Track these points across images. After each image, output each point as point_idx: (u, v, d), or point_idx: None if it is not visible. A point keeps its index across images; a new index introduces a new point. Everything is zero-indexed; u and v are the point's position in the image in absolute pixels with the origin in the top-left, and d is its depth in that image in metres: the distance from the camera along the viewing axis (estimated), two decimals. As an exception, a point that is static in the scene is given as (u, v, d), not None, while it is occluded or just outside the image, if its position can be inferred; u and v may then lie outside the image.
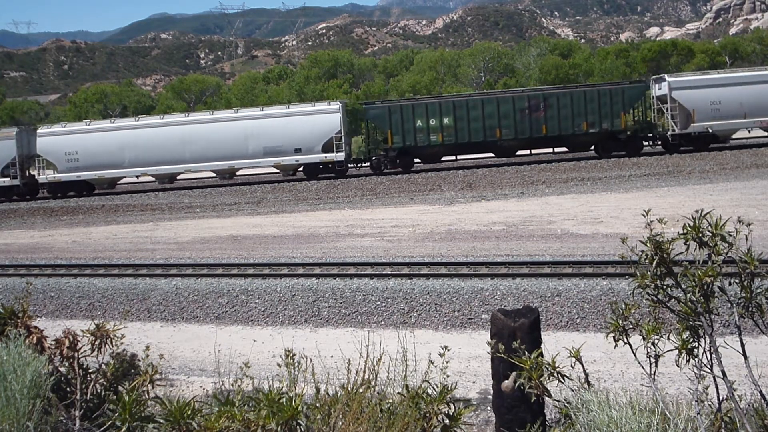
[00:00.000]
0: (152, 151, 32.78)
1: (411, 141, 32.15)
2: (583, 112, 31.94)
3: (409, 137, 32.09)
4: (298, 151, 32.42)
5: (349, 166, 33.59)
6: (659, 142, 33.18)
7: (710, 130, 31.90)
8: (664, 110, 32.67)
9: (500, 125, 31.93)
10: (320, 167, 32.69)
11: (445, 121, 31.94)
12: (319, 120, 32.58)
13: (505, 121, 31.93)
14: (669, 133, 32.42)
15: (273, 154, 32.52)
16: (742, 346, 3.06)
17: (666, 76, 34.23)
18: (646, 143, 33.40)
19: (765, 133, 33.71)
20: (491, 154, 34.03)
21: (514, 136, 32.10)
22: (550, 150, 33.67)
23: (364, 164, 33.90)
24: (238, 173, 35.48)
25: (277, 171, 34.46)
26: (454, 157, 33.76)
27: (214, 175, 35.18)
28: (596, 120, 32.01)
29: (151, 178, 35.27)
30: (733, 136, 34.34)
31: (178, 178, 36.28)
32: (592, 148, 33.17)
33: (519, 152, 33.44)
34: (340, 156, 32.15)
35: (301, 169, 33.65)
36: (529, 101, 32.20)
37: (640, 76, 62.14)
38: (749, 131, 33.91)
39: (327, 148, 32.28)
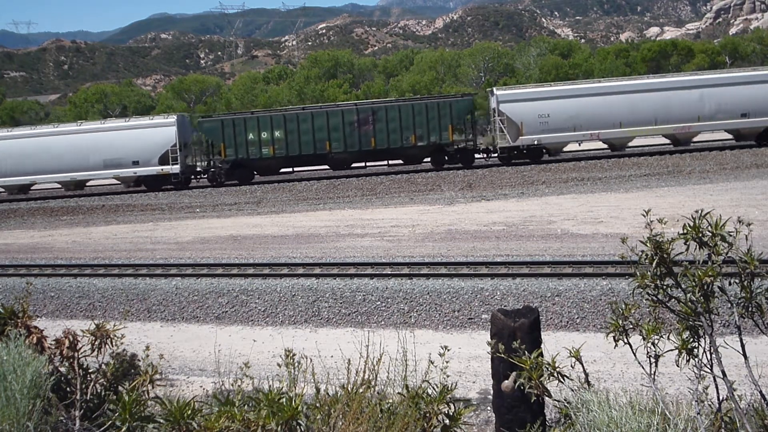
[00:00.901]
0: (3, 161, 34.12)
1: (243, 154, 32.94)
2: (411, 126, 32.34)
3: (241, 150, 32.86)
4: (136, 163, 33.44)
5: (192, 177, 34.78)
6: (494, 154, 33.42)
7: (539, 143, 32.29)
8: (495, 123, 33.18)
9: (330, 138, 32.63)
10: (158, 179, 33.58)
11: (276, 134, 32.74)
12: (155, 133, 33.45)
13: (334, 134, 32.62)
14: (498, 145, 32.78)
15: (112, 166, 33.61)
16: (742, 346, 3.06)
17: (495, 89, 34.59)
18: (479, 156, 33.91)
19: (603, 145, 33.86)
20: (326, 166, 34.17)
21: (344, 149, 32.73)
22: (384, 162, 34.26)
23: (203, 176, 34.92)
24: (87, 185, 36.28)
25: (119, 183, 35.44)
26: (291, 169, 34.49)
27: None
28: (425, 133, 32.39)
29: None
30: (564, 149, 34.49)
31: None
32: (427, 160, 33.58)
33: (354, 164, 33.94)
34: (176, 168, 33.08)
35: (140, 180, 34.72)
36: (358, 115, 32.75)
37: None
38: (579, 144, 34.27)
39: (163, 160, 33.20)
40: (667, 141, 34.18)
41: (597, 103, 31.97)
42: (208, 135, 33.96)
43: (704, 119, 31.85)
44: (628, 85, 33.10)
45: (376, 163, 34.76)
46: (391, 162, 34.01)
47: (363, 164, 34.08)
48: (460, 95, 36.61)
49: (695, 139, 34.33)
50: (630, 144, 33.94)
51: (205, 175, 34.33)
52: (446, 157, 32.75)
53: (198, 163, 36.77)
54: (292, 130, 32.51)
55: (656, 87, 32.43)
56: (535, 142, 32.03)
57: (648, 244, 3.10)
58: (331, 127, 32.39)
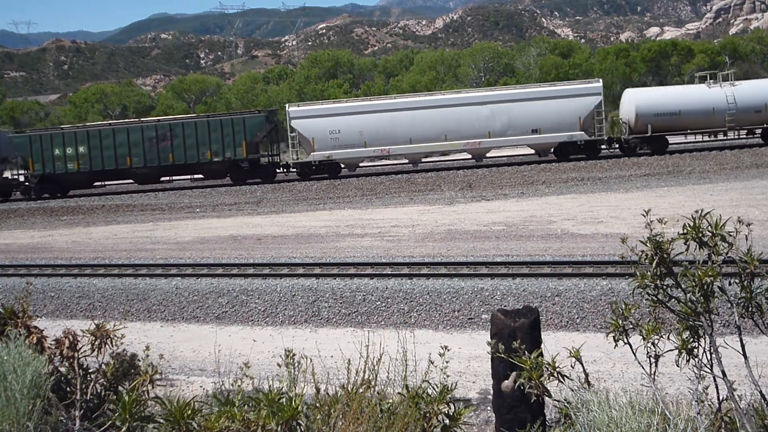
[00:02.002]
0: None
1: (51, 168, 33.94)
2: (207, 142, 33.24)
3: (49, 165, 33.87)
4: None
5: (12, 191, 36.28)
6: (294, 169, 34.22)
7: (331, 158, 32.93)
8: (289, 139, 34.03)
9: (131, 154, 33.47)
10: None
11: (81, 149, 33.74)
12: None
13: (135, 150, 33.45)
14: (293, 161, 33.68)
15: None
16: (742, 346, 3.06)
17: (288, 105, 35.40)
18: (281, 171, 34.79)
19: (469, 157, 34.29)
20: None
21: (143, 164, 33.63)
22: (186, 177, 35.56)
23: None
24: None
25: None
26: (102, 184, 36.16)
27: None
28: (220, 149, 33.27)
29: None
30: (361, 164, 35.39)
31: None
32: (228, 175, 34.44)
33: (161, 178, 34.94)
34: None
35: None
36: (156, 131, 33.69)
37: (639, 77, 62.25)
38: (372, 160, 35.09)
39: None
40: (470, 156, 34.55)
41: (387, 119, 32.69)
42: (18, 150, 35.15)
43: (495, 135, 32.57)
44: (418, 102, 33.93)
45: (181, 177, 35.76)
46: (194, 176, 35.45)
47: (168, 179, 35.38)
48: (255, 111, 38.18)
49: (499, 153, 35.51)
50: (424, 159, 34.78)
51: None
52: (244, 172, 33.96)
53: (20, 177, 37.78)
54: (95, 145, 33.77)
55: (447, 103, 33.21)
56: (327, 158, 32.91)
57: (648, 244, 3.10)
58: (131, 143, 33.56)
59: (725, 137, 35.03)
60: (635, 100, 33.21)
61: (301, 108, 34.49)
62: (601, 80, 34.83)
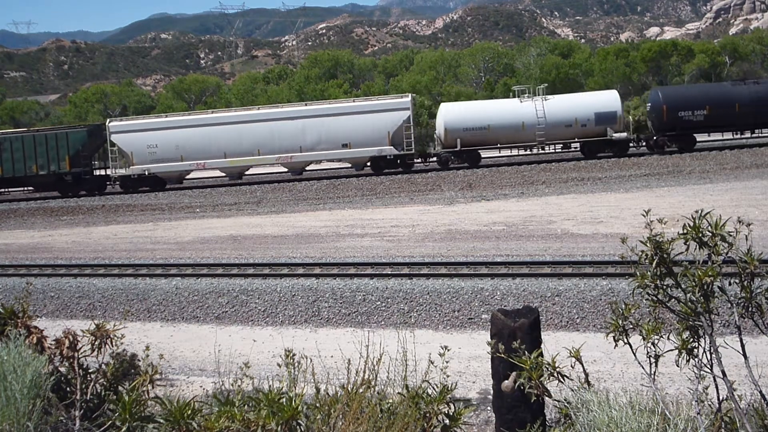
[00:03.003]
0: None
1: None
2: (33, 156, 34.06)
3: None
4: None
5: None
6: (117, 182, 35.06)
7: (149, 172, 33.71)
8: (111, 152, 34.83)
9: None
10: None
11: None
12: None
13: None
14: (113, 174, 34.62)
15: None
16: (742, 346, 3.06)
17: (108, 121, 36.26)
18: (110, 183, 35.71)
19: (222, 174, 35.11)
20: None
21: None
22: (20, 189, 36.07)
23: None
24: None
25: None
26: None
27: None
28: (45, 162, 34.06)
29: None
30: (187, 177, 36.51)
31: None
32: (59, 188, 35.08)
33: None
34: None
35: None
36: None
37: (639, 77, 62.23)
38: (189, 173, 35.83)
39: None
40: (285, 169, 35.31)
41: (202, 133, 33.58)
42: None
43: (306, 149, 33.38)
44: (232, 117, 34.89)
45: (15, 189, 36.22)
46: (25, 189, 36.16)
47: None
48: (79, 127, 39.30)
49: (316, 167, 36.57)
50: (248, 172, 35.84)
51: None
52: (69, 185, 34.81)
53: None
54: None
55: (260, 118, 34.15)
56: (146, 172, 33.76)
57: (648, 244, 3.10)
58: None
59: (539, 152, 35.39)
60: (444, 114, 33.87)
61: (120, 123, 35.89)
62: (410, 95, 35.47)
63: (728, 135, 34.95)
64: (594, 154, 33.13)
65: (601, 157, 32.71)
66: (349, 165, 34.91)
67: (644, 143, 34.23)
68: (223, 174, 34.94)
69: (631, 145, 34.14)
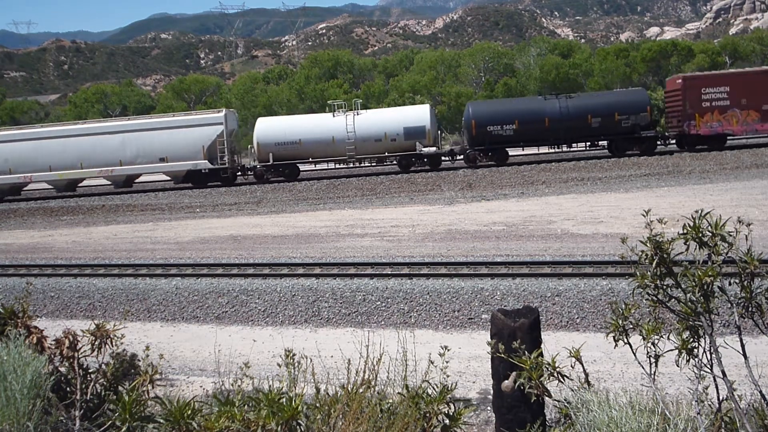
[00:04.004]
0: None
1: None
2: None
3: None
4: None
5: None
6: None
7: None
8: None
9: None
10: None
11: None
12: None
13: None
14: None
15: None
16: (742, 346, 3.06)
17: None
18: None
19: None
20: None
21: None
22: None
23: None
24: None
25: None
26: None
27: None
28: None
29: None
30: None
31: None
32: None
33: None
34: None
35: None
36: None
37: (640, 77, 62.23)
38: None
39: None
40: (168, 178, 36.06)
41: (30, 147, 34.40)
42: None
43: (126, 163, 34.36)
44: (56, 131, 35.47)
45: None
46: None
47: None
48: None
49: (139, 180, 37.29)
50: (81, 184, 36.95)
51: None
52: None
53: None
54: None
55: (82, 132, 35.09)
56: None
57: (648, 244, 3.10)
58: None
59: (349, 166, 36.11)
60: (257, 129, 34.62)
61: None
62: (223, 110, 36.03)
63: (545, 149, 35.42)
64: (407, 169, 33.81)
65: (412, 171, 33.44)
66: (169, 178, 36.05)
67: (461, 157, 34.65)
68: (51, 186, 35.93)
69: (444, 159, 34.73)
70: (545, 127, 32.93)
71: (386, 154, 34.00)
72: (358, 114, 34.26)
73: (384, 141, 33.44)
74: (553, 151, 35.88)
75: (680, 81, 34.08)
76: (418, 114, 34.28)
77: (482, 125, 33.15)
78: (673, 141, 34.10)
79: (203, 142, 33.64)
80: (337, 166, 36.62)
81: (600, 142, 34.31)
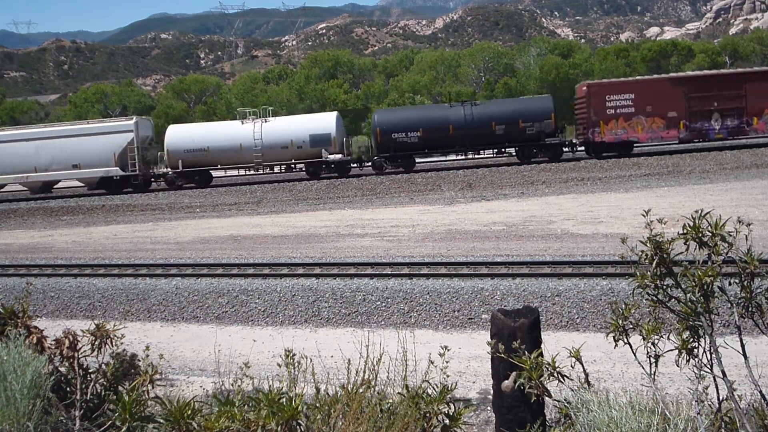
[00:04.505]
0: None
1: None
2: None
3: None
4: None
5: None
6: None
7: None
8: None
9: None
10: None
11: None
12: None
13: None
14: None
15: None
16: (742, 346, 3.06)
17: None
18: None
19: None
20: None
21: None
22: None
23: None
24: None
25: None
26: None
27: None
28: None
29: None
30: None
31: None
32: None
33: None
34: None
35: None
36: None
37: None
38: None
39: None
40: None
41: None
42: None
43: (41, 170, 35.09)
44: None
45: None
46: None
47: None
48: None
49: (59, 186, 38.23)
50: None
51: None
52: None
53: None
54: None
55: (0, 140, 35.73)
56: None
57: (648, 244, 3.10)
58: None
59: (260, 173, 36.75)
60: (168, 136, 35.24)
61: None
62: (134, 118, 36.50)
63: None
64: (315, 176, 34.39)
65: (322, 178, 34.03)
66: (83, 185, 36.58)
67: (369, 163, 35.10)
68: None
69: (353, 166, 35.33)
70: (450, 135, 33.30)
71: (293, 161, 34.74)
72: (266, 122, 34.99)
73: (291, 148, 34.09)
74: (459, 158, 36.27)
75: (585, 88, 34.12)
76: (324, 122, 34.89)
77: (387, 133, 33.64)
78: (582, 148, 34.17)
79: (114, 150, 34.33)
80: (247, 172, 37.30)
81: (507, 149, 34.55)
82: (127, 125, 34.91)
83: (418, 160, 35.13)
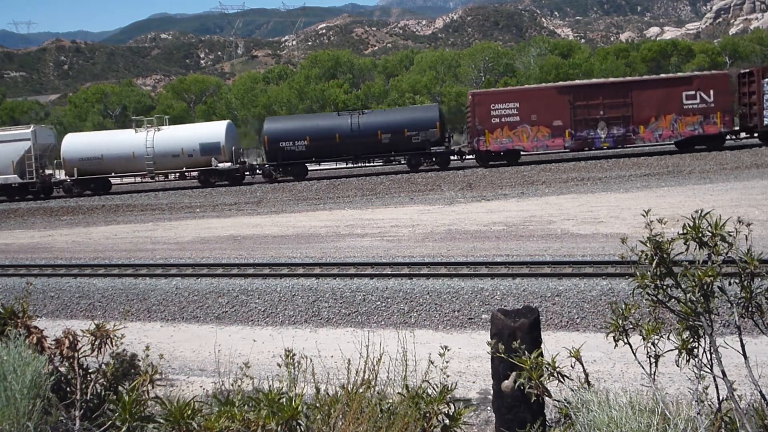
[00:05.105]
0: None
1: None
2: None
3: None
4: None
5: None
6: None
7: None
8: None
9: None
10: None
11: None
12: None
13: None
14: None
15: None
16: (742, 346, 3.06)
17: None
18: None
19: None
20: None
21: None
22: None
23: None
24: None
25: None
26: None
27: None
28: None
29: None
30: None
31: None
32: None
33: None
34: None
35: None
36: None
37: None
38: None
39: None
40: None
41: None
42: None
43: None
44: None
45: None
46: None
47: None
48: None
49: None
50: None
51: None
52: None
53: None
54: None
55: None
56: None
57: (648, 244, 3.10)
58: None
59: (151, 180, 37.19)
60: (63, 144, 35.64)
61: None
62: (32, 127, 36.98)
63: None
64: (207, 184, 34.74)
65: (215, 185, 34.53)
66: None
67: (260, 172, 35.59)
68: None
69: (247, 174, 35.93)
70: (337, 143, 33.68)
71: (184, 169, 35.48)
72: (158, 130, 35.64)
73: (182, 156, 34.66)
74: (348, 166, 36.74)
75: (471, 97, 34.26)
76: (214, 131, 35.45)
77: (275, 141, 34.09)
78: (471, 156, 34.27)
79: (12, 158, 34.72)
80: (139, 180, 37.94)
81: (397, 158, 34.80)
82: (25, 134, 35.48)
83: (311, 168, 35.83)
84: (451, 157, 34.37)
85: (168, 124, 37.42)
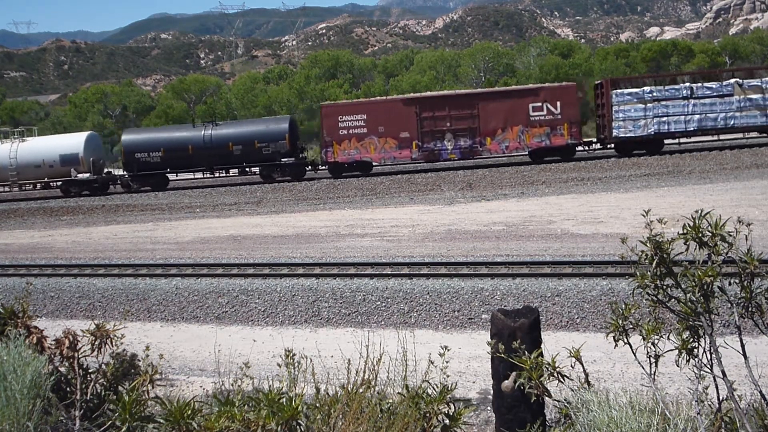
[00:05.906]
0: None
1: None
2: None
3: None
4: None
5: None
6: None
7: None
8: None
9: None
10: None
11: None
12: None
13: None
14: None
15: None
16: (742, 346, 3.06)
17: None
18: None
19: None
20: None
21: None
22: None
23: None
24: None
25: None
26: None
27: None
28: None
29: None
30: None
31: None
32: None
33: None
34: None
35: None
36: None
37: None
38: None
39: None
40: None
41: None
42: None
43: None
44: None
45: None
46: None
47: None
48: None
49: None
50: None
51: None
52: None
53: None
54: None
55: None
56: None
57: (648, 244, 3.10)
58: None
59: (18, 190, 37.32)
60: None
61: None
62: None
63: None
64: (68, 194, 35.26)
65: (77, 196, 34.81)
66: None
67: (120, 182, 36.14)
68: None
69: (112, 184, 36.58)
70: (190, 155, 34.27)
71: (46, 179, 35.97)
72: (23, 141, 36.41)
73: (43, 167, 35.28)
74: (205, 176, 37.40)
75: (322, 110, 34.63)
76: (73, 143, 36.06)
77: (131, 152, 34.74)
78: (324, 167, 34.48)
79: None
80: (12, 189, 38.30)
81: (253, 168, 35.20)
82: None
83: (172, 178, 36.42)
84: (307, 168, 34.86)
85: (38, 135, 38.71)
